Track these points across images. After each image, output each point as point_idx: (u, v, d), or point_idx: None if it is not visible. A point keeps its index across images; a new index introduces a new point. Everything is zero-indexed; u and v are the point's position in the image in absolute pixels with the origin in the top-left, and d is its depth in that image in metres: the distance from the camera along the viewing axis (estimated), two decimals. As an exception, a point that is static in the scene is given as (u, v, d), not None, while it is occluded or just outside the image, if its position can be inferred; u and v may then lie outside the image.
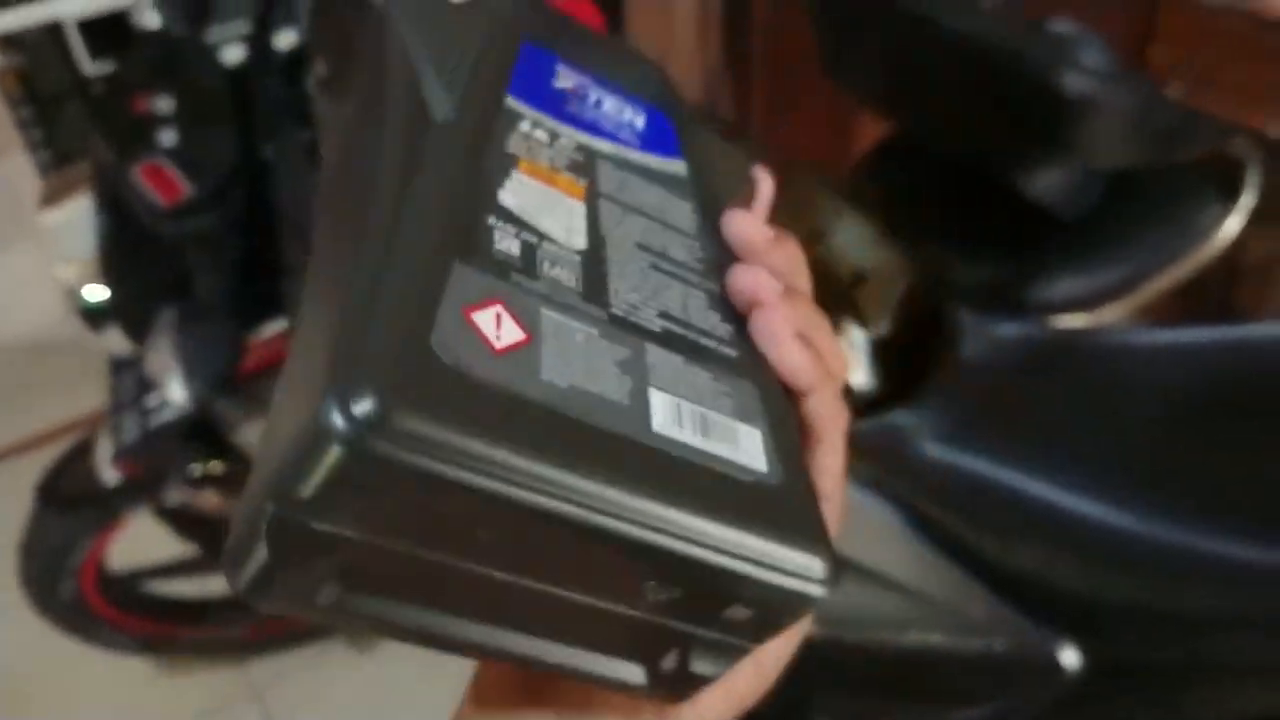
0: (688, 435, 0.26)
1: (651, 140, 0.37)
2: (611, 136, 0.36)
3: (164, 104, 0.85)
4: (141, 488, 1.24)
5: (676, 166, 0.36)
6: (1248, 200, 1.31)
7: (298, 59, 0.85)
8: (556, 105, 0.35)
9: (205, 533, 1.47)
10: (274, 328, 0.88)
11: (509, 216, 0.28)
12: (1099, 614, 0.68)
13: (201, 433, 1.10)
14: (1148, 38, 1.63)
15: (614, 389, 0.25)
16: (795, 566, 0.26)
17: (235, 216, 0.82)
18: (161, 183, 0.80)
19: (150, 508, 1.34)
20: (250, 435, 0.99)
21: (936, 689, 0.81)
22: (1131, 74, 1.45)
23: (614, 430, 0.24)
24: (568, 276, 0.28)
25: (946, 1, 1.18)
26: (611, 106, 0.37)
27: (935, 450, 0.69)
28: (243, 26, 0.90)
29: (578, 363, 0.25)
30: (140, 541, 1.56)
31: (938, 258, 1.42)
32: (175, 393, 0.76)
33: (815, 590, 0.27)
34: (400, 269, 0.25)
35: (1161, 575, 0.64)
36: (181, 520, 1.45)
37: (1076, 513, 0.66)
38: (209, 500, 1.27)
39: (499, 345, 0.24)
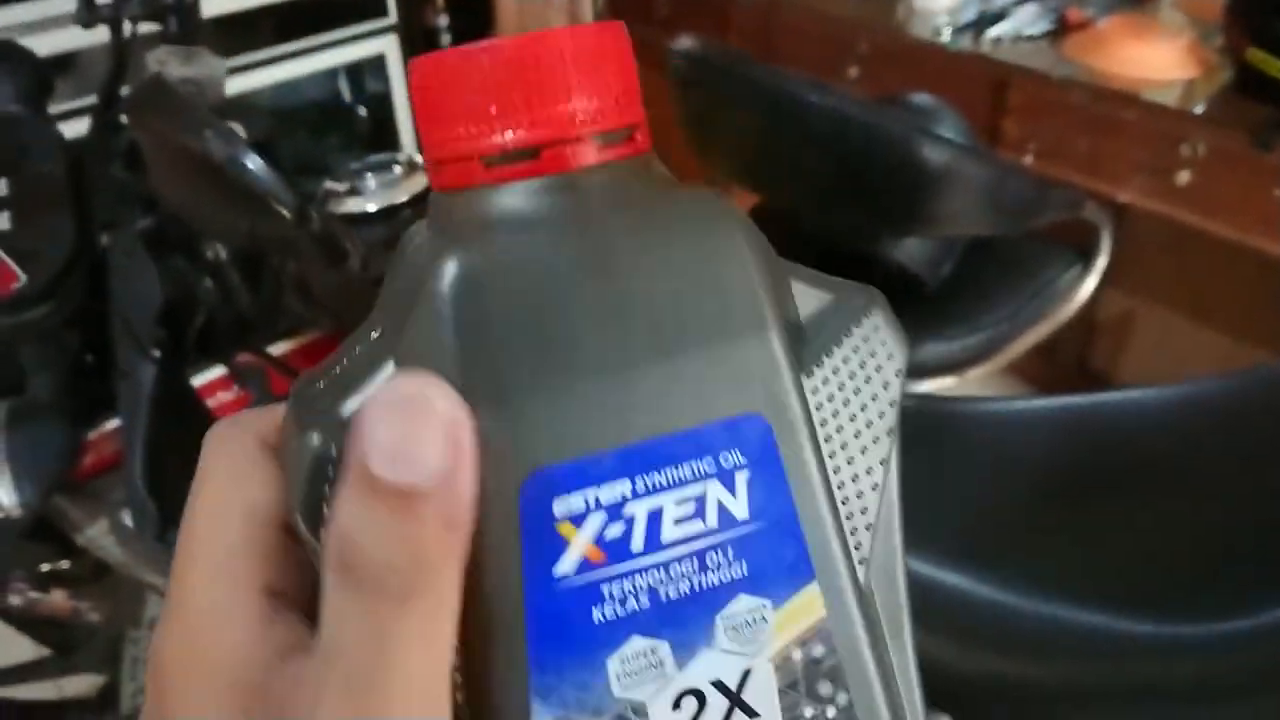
0: None
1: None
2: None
3: (-2, 187, 0.81)
4: (-19, 590, 1.16)
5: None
6: (1101, 262, 1.37)
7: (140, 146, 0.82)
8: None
9: (55, 633, 1.38)
10: (112, 423, 0.84)
11: None
12: (966, 686, 0.68)
13: (45, 532, 1.04)
14: (1001, 112, 1.70)
15: None
16: None
17: (73, 307, 0.77)
18: (-8, 272, 0.76)
19: (-8, 611, 1.25)
20: (95, 535, 0.93)
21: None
22: (984, 147, 1.52)
23: None
24: None
25: (807, 80, 1.21)
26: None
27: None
28: (85, 101, 0.86)
29: None
30: (-16, 646, 1.46)
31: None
32: (5, 498, 0.71)
33: None
34: None
35: (1025, 647, 0.65)
36: (28, 622, 1.36)
37: (939, 583, 0.66)
38: (56, 601, 1.19)
39: None
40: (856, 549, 0.22)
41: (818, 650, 0.21)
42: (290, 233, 0.52)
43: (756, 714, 0.20)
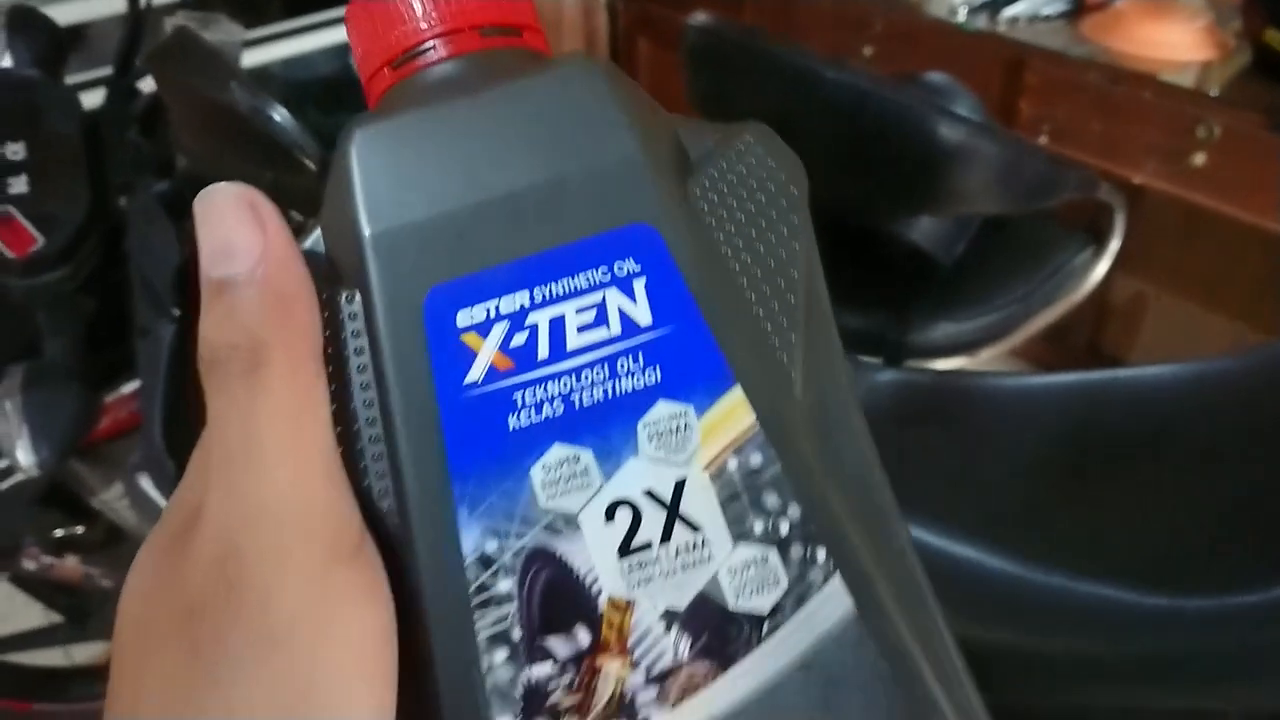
0: None
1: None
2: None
3: (15, 150, 0.81)
4: (-5, 555, 1.17)
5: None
6: (1115, 244, 1.36)
7: (157, 107, 0.82)
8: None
9: (66, 600, 1.39)
10: (129, 387, 0.84)
11: None
12: (977, 660, 0.68)
13: (60, 497, 1.04)
14: (1017, 92, 1.69)
15: None
16: None
17: (89, 271, 0.78)
18: (11, 234, 0.76)
19: (6, 575, 1.26)
20: (110, 499, 0.93)
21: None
22: (1000, 127, 1.51)
23: None
24: None
25: (823, 55, 1.21)
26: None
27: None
28: (103, 71, 0.86)
29: None
30: (-4, 611, 1.47)
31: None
32: (23, 457, 0.71)
33: None
34: None
35: (1035, 620, 0.65)
36: (41, 587, 1.37)
37: (951, 556, 0.66)
38: (69, 566, 1.20)
39: None
40: (784, 353, 0.22)
41: (755, 459, 0.21)
42: (313, 184, 0.52)
43: (698, 527, 0.21)
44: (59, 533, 1.16)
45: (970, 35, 1.72)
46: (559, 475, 0.21)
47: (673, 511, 0.21)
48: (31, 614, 1.51)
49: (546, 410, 0.21)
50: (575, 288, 0.21)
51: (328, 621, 0.19)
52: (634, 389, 0.21)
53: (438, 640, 0.20)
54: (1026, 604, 0.65)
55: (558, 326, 0.21)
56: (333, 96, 2.39)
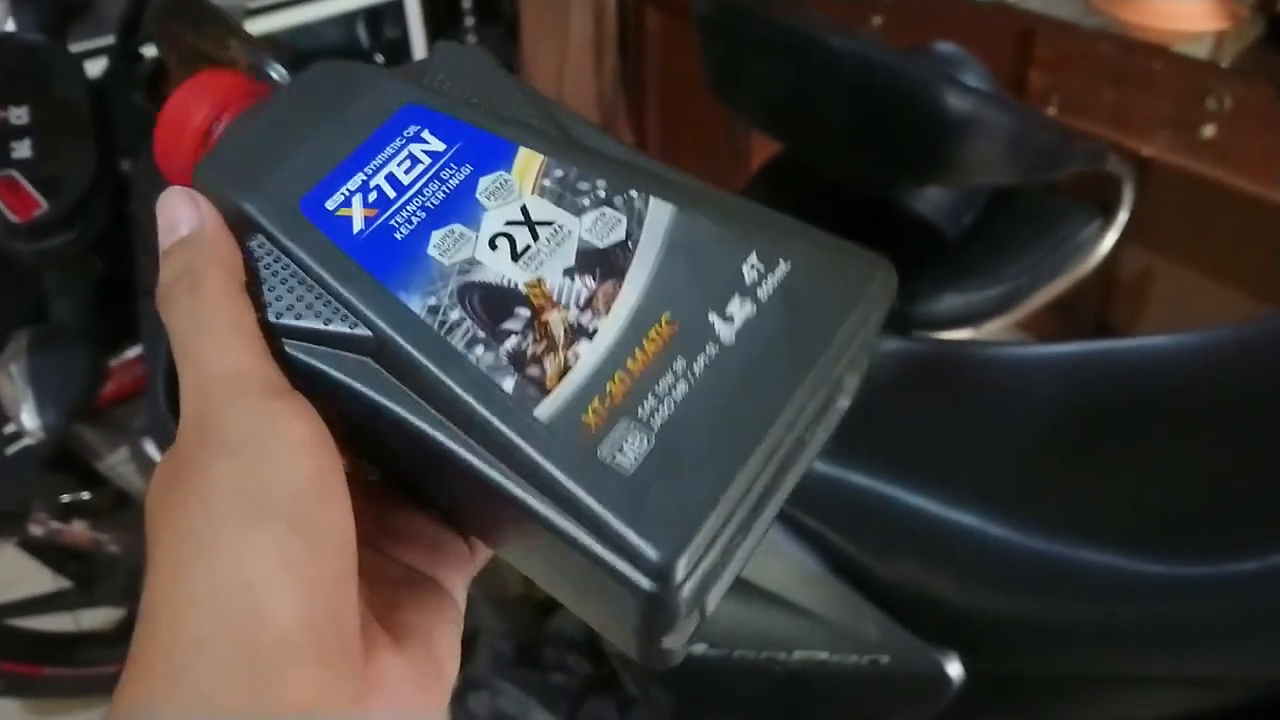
0: None
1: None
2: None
3: (19, 115, 0.81)
4: (4, 519, 1.18)
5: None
6: (1123, 217, 1.36)
7: (162, 70, 0.82)
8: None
9: (75, 565, 1.40)
10: (134, 351, 0.84)
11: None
12: (976, 626, 0.68)
13: (67, 462, 1.05)
14: (1026, 62, 1.68)
15: None
16: (624, 548, 0.26)
17: (95, 235, 0.78)
18: (15, 198, 0.76)
19: (14, 540, 1.27)
20: (116, 463, 0.94)
21: (826, 707, 0.81)
22: (1009, 97, 1.50)
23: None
24: None
25: (832, 24, 1.20)
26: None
27: (818, 465, 0.69)
28: (108, 38, 0.86)
29: None
30: (3, 577, 1.48)
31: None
32: (28, 421, 0.72)
33: (648, 585, 0.26)
34: None
35: (1035, 586, 0.65)
36: (49, 553, 1.38)
37: (951, 524, 0.66)
38: (77, 531, 1.21)
39: None
40: (533, 120, 0.34)
41: (558, 173, 0.32)
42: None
43: (550, 221, 0.31)
44: (66, 498, 1.17)
45: (980, 5, 1.71)
46: (447, 245, 0.30)
47: (529, 223, 0.31)
48: (40, 580, 1.52)
49: (415, 219, 0.31)
50: (388, 155, 0.32)
51: (270, 433, 0.26)
52: (460, 180, 0.32)
53: (438, 368, 0.28)
54: (1026, 571, 0.65)
55: (392, 178, 0.32)
56: (340, 66, 2.38)
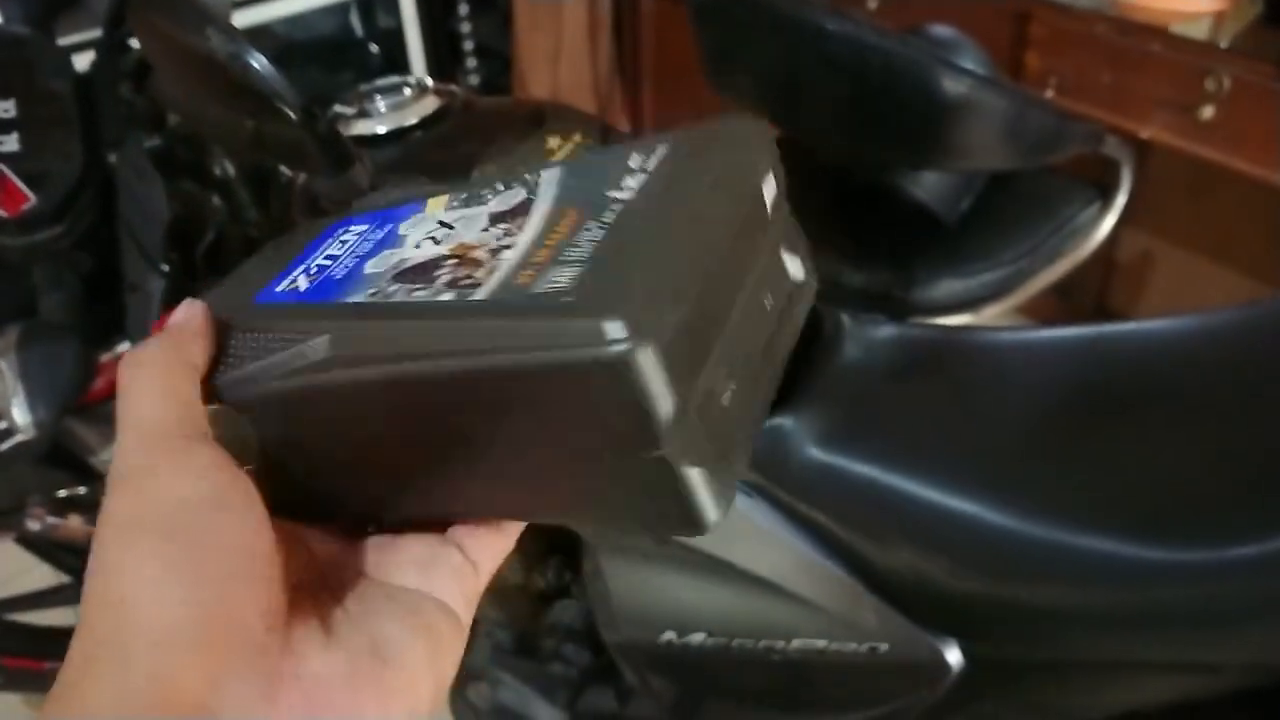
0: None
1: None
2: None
3: (6, 108, 0.81)
4: (1, 515, 1.18)
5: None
6: (1121, 199, 1.35)
7: (148, 62, 0.81)
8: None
9: (72, 559, 1.40)
10: (124, 346, 0.84)
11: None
12: (975, 613, 0.68)
13: (61, 457, 1.04)
14: (1023, 45, 1.67)
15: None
16: (582, 336, 0.26)
17: (83, 228, 0.77)
18: (3, 192, 0.76)
19: (12, 536, 1.27)
20: (109, 458, 0.93)
21: (826, 695, 0.81)
22: (1005, 80, 1.49)
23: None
24: None
25: (827, 8, 1.19)
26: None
27: (815, 453, 0.69)
28: (95, 32, 0.85)
29: None
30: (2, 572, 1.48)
31: (821, 263, 1.42)
32: (19, 417, 0.71)
33: (614, 351, 0.25)
34: None
35: (1033, 572, 0.65)
36: (47, 547, 1.38)
37: (950, 510, 0.66)
38: (74, 526, 1.20)
39: None
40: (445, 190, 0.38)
41: (462, 195, 0.37)
42: (296, 134, 0.52)
43: (462, 217, 0.35)
44: (62, 493, 1.17)
45: (977, -12, 1.70)
46: (381, 262, 0.33)
47: (445, 225, 0.34)
48: (40, 574, 1.52)
49: (350, 263, 0.34)
50: (324, 246, 0.37)
51: (157, 466, 0.29)
52: (385, 233, 0.36)
53: (387, 316, 0.31)
54: (1025, 557, 0.64)
55: (329, 255, 0.35)
56: (335, 56, 2.38)
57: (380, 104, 0.76)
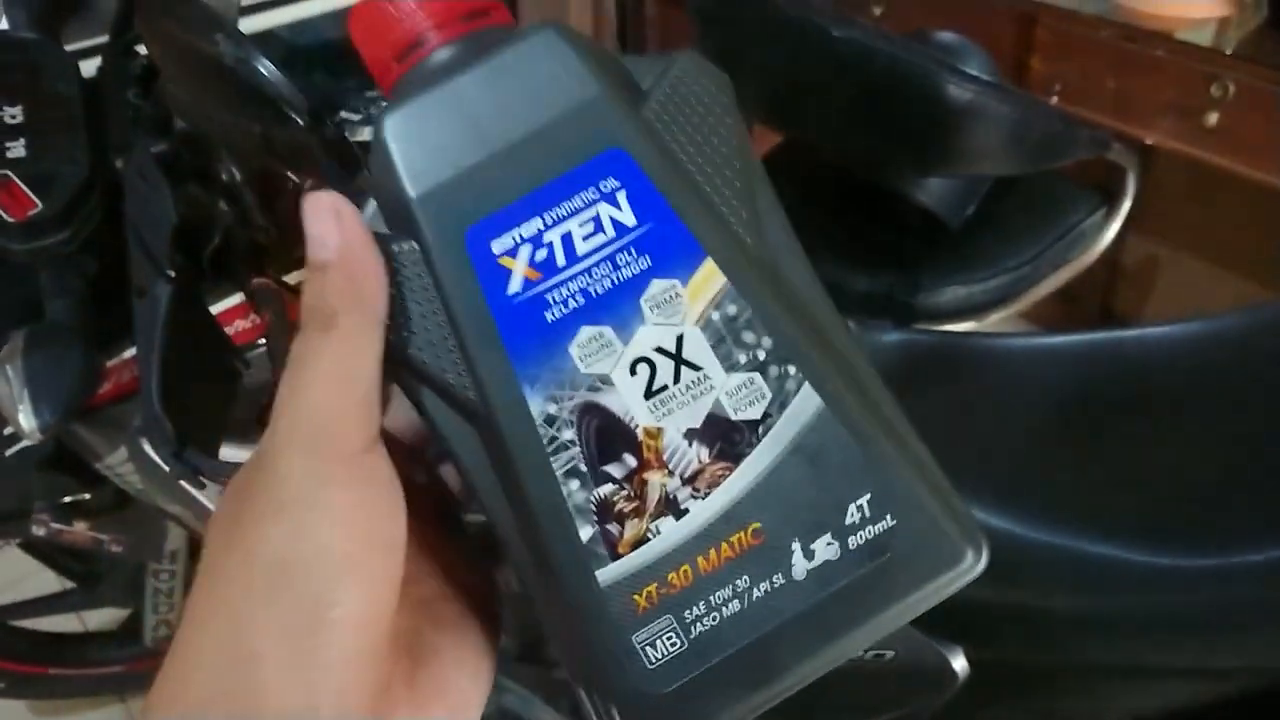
0: None
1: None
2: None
3: (13, 114, 0.81)
4: (5, 520, 1.18)
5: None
6: (1126, 205, 1.35)
7: (155, 67, 0.81)
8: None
9: (77, 565, 1.40)
10: (131, 350, 0.84)
11: None
12: (981, 619, 0.68)
13: (67, 462, 1.04)
14: (1028, 50, 1.67)
15: None
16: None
17: (89, 233, 0.77)
18: (10, 197, 0.76)
19: (17, 541, 1.27)
20: (114, 463, 0.94)
21: (831, 702, 0.81)
22: (1010, 85, 1.49)
23: None
24: None
25: (832, 13, 1.19)
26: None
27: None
28: (101, 37, 0.86)
29: None
30: (7, 576, 1.48)
31: (825, 268, 1.42)
32: (25, 422, 0.71)
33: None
34: None
35: (1039, 578, 0.64)
36: (51, 553, 1.38)
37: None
38: (79, 532, 1.20)
39: None
40: (737, 223, 0.29)
41: (731, 309, 0.29)
42: (304, 139, 0.52)
43: (699, 366, 0.28)
44: (67, 499, 1.17)
45: (982, -7, 1.70)
46: (590, 349, 0.28)
47: (678, 359, 0.28)
48: (44, 580, 1.52)
49: (571, 303, 0.28)
50: (574, 208, 0.28)
51: (315, 501, 0.27)
52: (633, 274, 0.28)
53: (529, 481, 0.28)
54: (1030, 563, 0.64)
55: (567, 240, 0.28)
56: (341, 61, 2.38)
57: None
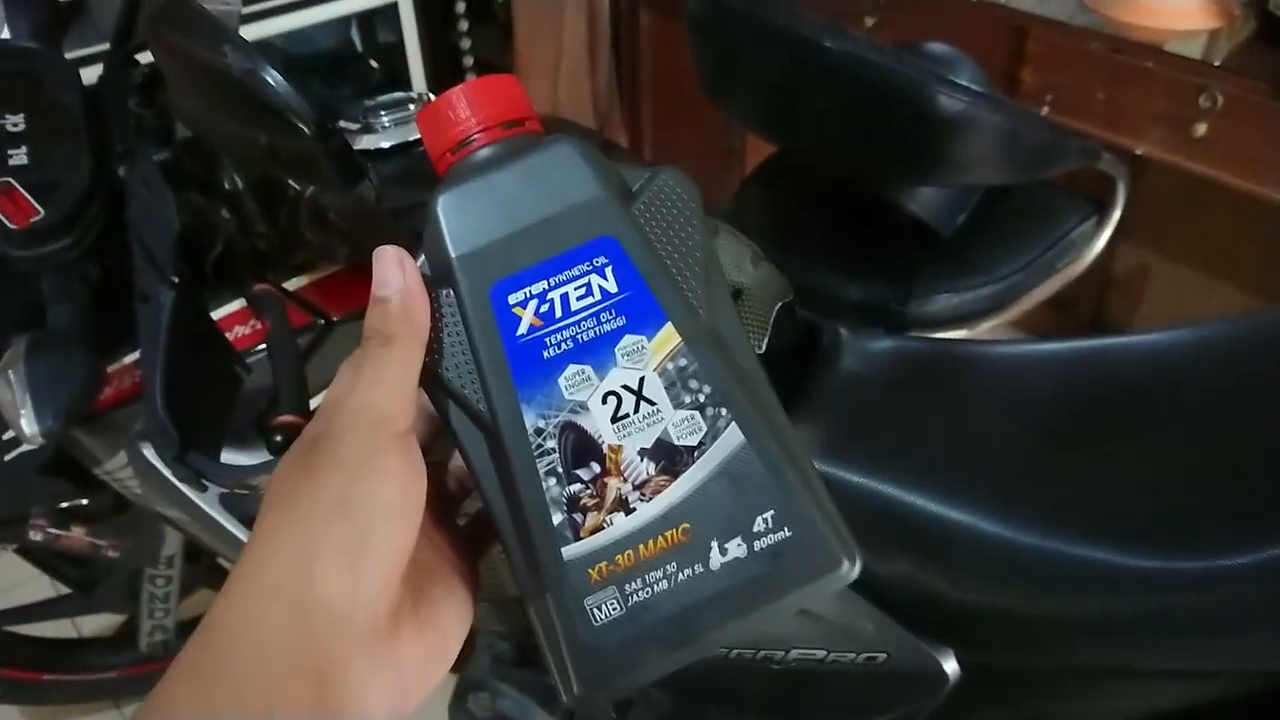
0: None
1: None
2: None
3: (15, 122, 0.81)
4: (3, 525, 1.18)
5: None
6: (1117, 215, 1.36)
7: (157, 76, 0.82)
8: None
9: (74, 571, 1.40)
10: (132, 356, 0.84)
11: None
12: (973, 622, 0.69)
13: (65, 467, 1.05)
14: (1019, 61, 1.68)
15: None
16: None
17: (91, 240, 0.78)
18: (12, 205, 0.76)
19: (14, 546, 1.27)
20: (113, 468, 0.94)
21: (824, 705, 0.81)
22: (1001, 96, 1.50)
23: None
24: None
25: (824, 24, 1.20)
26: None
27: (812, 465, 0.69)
28: (103, 45, 0.86)
29: None
30: (2, 582, 1.48)
31: (818, 277, 1.43)
32: (26, 426, 0.72)
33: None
34: None
35: (1031, 582, 0.65)
36: (48, 558, 1.38)
37: (947, 521, 0.67)
38: (76, 537, 1.21)
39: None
40: (694, 300, 0.38)
41: (682, 362, 0.37)
42: (309, 148, 0.53)
43: (654, 402, 0.37)
44: (64, 504, 1.17)
45: (972, 4, 1.71)
46: (574, 381, 0.37)
47: (639, 395, 0.37)
48: (40, 585, 1.52)
49: (564, 345, 0.37)
50: (572, 276, 0.38)
51: (370, 461, 0.35)
52: (611, 329, 0.38)
53: (519, 477, 0.37)
54: (1022, 567, 0.65)
55: (565, 299, 0.37)
56: (335, 70, 2.38)
57: (384, 119, 0.77)
